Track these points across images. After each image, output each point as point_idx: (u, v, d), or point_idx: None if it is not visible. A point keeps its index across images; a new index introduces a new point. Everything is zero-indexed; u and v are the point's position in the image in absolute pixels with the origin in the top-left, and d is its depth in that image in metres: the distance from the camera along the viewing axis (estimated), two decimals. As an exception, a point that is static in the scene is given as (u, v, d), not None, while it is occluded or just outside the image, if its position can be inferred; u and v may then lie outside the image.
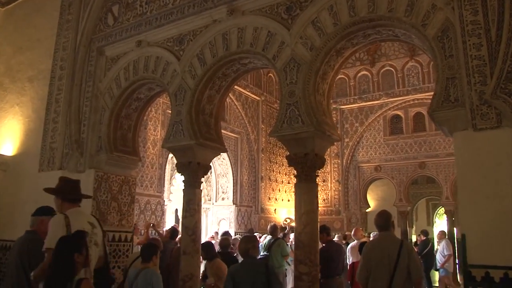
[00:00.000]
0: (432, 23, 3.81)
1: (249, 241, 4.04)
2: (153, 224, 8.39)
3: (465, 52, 3.56)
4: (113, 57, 6.27)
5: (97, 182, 5.93)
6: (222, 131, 6.22)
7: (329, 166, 14.99)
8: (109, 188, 6.08)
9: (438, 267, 10.11)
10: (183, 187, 5.39)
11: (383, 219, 4.09)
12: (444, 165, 14.04)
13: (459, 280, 12.78)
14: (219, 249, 6.42)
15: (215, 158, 6.98)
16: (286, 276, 8.13)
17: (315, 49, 4.41)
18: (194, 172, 5.32)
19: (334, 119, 13.32)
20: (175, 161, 5.66)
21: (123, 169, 6.27)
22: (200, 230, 5.41)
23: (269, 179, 14.15)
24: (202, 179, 5.55)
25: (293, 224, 5.06)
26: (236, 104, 13.03)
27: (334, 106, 14.64)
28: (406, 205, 14.98)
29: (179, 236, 6.78)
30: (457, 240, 14.60)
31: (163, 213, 10.30)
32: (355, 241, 8.59)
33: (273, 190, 14.29)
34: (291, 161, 4.53)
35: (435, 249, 11.10)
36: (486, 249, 3.28)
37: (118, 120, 6.15)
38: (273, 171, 14.46)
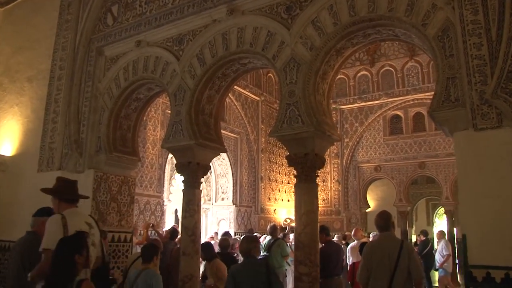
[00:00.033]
0: (433, 23, 3.80)
1: (251, 241, 4.03)
2: (152, 225, 8.37)
3: (466, 52, 3.55)
4: (113, 57, 6.26)
5: (96, 183, 5.92)
6: (222, 131, 6.20)
7: (328, 166, 14.98)
8: (109, 188, 6.07)
9: (437, 267, 10.10)
10: (183, 188, 5.38)
11: (383, 220, 4.08)
12: (444, 165, 14.03)
13: (459, 280, 12.78)
14: (218, 249, 6.40)
15: (214, 158, 6.97)
16: (286, 276, 8.11)
17: (315, 49, 4.40)
18: (194, 172, 5.31)
19: (334, 119, 13.32)
20: (175, 161, 5.64)
21: (123, 169, 6.26)
22: (200, 230, 5.40)
23: (269, 179, 14.14)
24: (202, 179, 5.54)
25: (293, 224, 5.04)
26: (236, 104, 13.02)
27: (333, 106, 14.63)
28: (406, 205, 14.97)
29: (179, 236, 6.77)
30: (457, 240, 14.61)
31: (162, 213, 10.28)
32: (355, 241, 8.58)
33: (272, 190, 14.28)
34: (291, 161, 4.52)
35: (434, 249, 11.08)
36: (487, 250, 3.27)
37: (117, 120, 6.14)
38: (273, 171, 14.44)
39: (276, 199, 14.38)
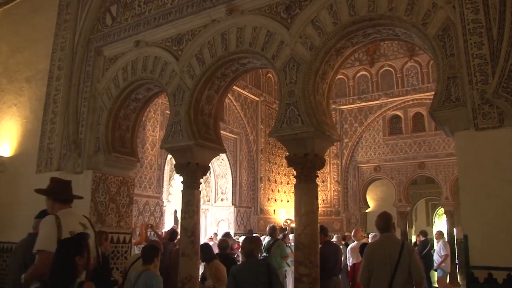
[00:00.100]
0: (433, 22, 3.78)
1: (253, 241, 4.03)
2: (151, 225, 8.34)
3: (466, 51, 3.53)
4: (111, 57, 6.24)
5: (95, 183, 5.90)
6: (221, 131, 6.18)
7: (328, 166, 14.95)
8: (107, 189, 6.04)
9: (435, 268, 10.09)
10: (182, 188, 5.35)
11: (384, 221, 4.06)
12: (444, 165, 14.01)
13: (459, 281, 12.76)
14: (218, 250, 6.38)
15: (214, 159, 6.94)
16: (285, 277, 8.09)
17: (314, 49, 4.38)
18: (193, 173, 5.29)
19: (333, 119, 13.29)
20: (174, 162, 5.62)
21: (122, 170, 6.23)
22: (199, 231, 5.37)
23: (268, 179, 14.11)
24: (201, 180, 5.52)
25: (294, 225, 5.03)
26: (235, 104, 13.00)
27: (333, 106, 14.60)
28: (406, 206, 14.94)
29: (178, 237, 6.74)
30: (457, 241, 14.60)
31: (162, 214, 10.25)
32: (355, 242, 8.55)
33: (272, 190, 14.25)
34: (291, 162, 4.50)
35: (433, 250, 11.07)
36: (489, 250, 3.25)
37: (116, 120, 6.11)
38: (272, 171, 14.42)
39: (275, 200, 14.35)
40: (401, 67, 14.27)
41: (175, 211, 14.01)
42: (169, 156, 9.74)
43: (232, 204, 12.73)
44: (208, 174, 10.10)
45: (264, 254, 7.37)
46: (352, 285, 7.71)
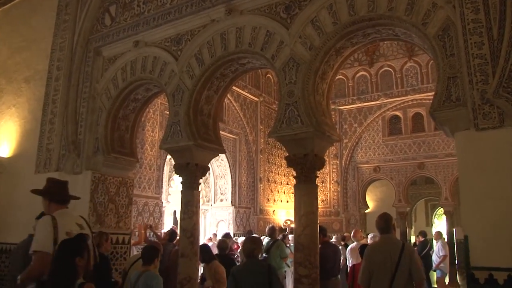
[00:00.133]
0: (433, 22, 3.78)
1: (254, 241, 4.02)
2: (150, 226, 8.31)
3: (467, 51, 3.53)
4: (110, 57, 6.22)
5: (94, 184, 5.88)
6: (221, 132, 6.16)
7: (328, 167, 14.93)
8: (106, 189, 6.02)
9: (433, 268, 10.09)
10: (181, 189, 5.33)
11: (384, 221, 4.05)
12: (443, 166, 14.00)
13: (458, 281, 12.75)
14: (217, 251, 6.36)
15: (213, 159, 6.93)
16: (285, 278, 8.07)
17: (314, 49, 4.37)
18: (192, 174, 5.27)
19: (333, 120, 13.28)
20: (173, 163, 5.60)
21: (121, 170, 6.22)
22: (199, 232, 5.36)
23: (268, 180, 14.09)
24: (200, 181, 5.51)
25: (293, 225, 5.01)
26: (235, 105, 12.98)
27: (332, 107, 14.59)
28: (405, 206, 14.93)
29: (177, 238, 6.72)
30: (456, 241, 14.58)
31: (161, 215, 10.22)
32: (355, 243, 8.53)
33: (271, 191, 14.23)
34: (290, 162, 4.48)
35: (432, 250, 11.08)
36: (489, 251, 3.24)
37: (115, 121, 6.10)
38: (272, 172, 14.40)
39: (275, 200, 14.33)
40: (400, 67, 14.25)
41: (175, 212, 13.99)
42: (169, 156, 9.72)
43: (232, 205, 12.71)
44: (207, 174, 10.09)
45: (264, 254, 7.36)
46: (352, 286, 7.69)
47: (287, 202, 14.72)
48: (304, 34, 4.46)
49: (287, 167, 5.08)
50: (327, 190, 15.22)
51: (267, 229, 7.94)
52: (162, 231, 9.41)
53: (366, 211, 15.29)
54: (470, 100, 3.45)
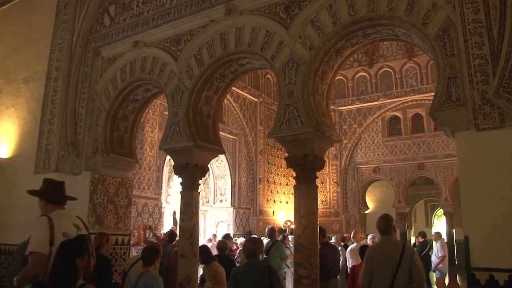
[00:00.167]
0: (433, 22, 3.77)
1: (255, 242, 4.02)
2: (150, 226, 8.29)
3: (467, 51, 3.52)
4: (110, 58, 6.21)
5: (93, 185, 5.86)
6: (220, 132, 6.15)
7: (327, 167, 14.92)
8: (106, 190, 6.00)
9: (432, 269, 10.09)
10: (181, 189, 5.31)
11: (385, 223, 4.04)
12: (443, 166, 14.00)
13: (458, 282, 12.73)
14: (217, 252, 6.34)
15: (213, 160, 6.91)
16: (285, 279, 8.05)
17: (314, 49, 4.35)
18: (192, 174, 5.25)
19: (332, 120, 13.27)
20: (173, 163, 5.59)
21: (120, 171, 6.20)
22: (198, 233, 5.34)
23: (267, 181, 14.07)
24: (200, 181, 5.49)
25: (293, 226, 5.00)
26: (234, 105, 12.96)
27: (332, 107, 14.57)
28: (405, 207, 14.93)
29: (177, 239, 6.70)
30: (456, 242, 14.58)
31: (160, 215, 10.20)
32: (355, 244, 8.52)
33: (271, 192, 14.21)
34: (290, 163, 4.47)
35: (431, 251, 11.09)
36: (490, 251, 3.23)
37: (114, 121, 6.08)
38: (271, 172, 14.38)
39: (274, 201, 14.32)
40: (400, 68, 14.25)
41: (174, 213, 13.96)
42: (168, 157, 9.70)
43: (231, 206, 12.69)
44: (207, 175, 10.07)
45: (264, 255, 7.34)
46: (352, 287, 7.67)
47: (287, 203, 14.70)
48: (304, 34, 4.44)
49: (287, 168, 5.07)
50: (326, 191, 15.21)
51: (266, 230, 7.93)
52: (162, 232, 9.39)
53: (366, 212, 15.29)
54: (470, 100, 3.44)
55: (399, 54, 14.42)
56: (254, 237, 4.76)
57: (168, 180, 10.97)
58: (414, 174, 14.71)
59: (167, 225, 11.56)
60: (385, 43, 14.03)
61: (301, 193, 4.37)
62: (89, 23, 6.50)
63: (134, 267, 4.71)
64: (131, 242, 7.27)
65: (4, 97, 7.37)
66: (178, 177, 5.43)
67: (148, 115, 10.03)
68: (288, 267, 8.00)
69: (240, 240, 10.04)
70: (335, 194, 15.15)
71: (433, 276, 10.81)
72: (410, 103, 14.27)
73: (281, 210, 14.47)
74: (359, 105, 14.90)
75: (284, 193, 14.84)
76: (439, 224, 22.07)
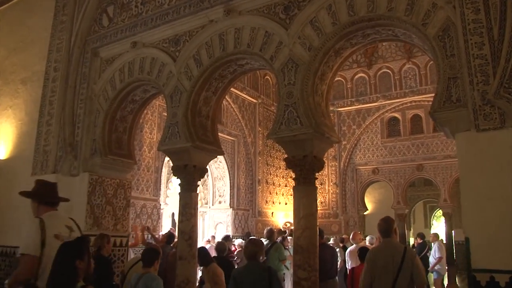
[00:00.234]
0: (433, 22, 3.75)
1: (256, 244, 4.00)
2: (148, 227, 8.26)
3: (467, 51, 3.50)
4: (108, 58, 6.18)
5: (91, 186, 5.83)
6: (219, 134, 6.12)
7: (326, 168, 14.91)
8: (104, 191, 5.97)
9: (429, 270, 10.10)
10: (179, 191, 5.29)
11: (387, 225, 4.02)
12: (442, 167, 14.00)
13: (457, 283, 12.73)
14: (215, 253, 6.31)
15: (211, 161, 6.88)
16: (284, 280, 8.02)
17: (313, 49, 4.33)
18: (190, 175, 5.22)
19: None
20: (172, 164, 5.56)
21: (118, 172, 6.17)
22: (197, 234, 5.31)
23: (266, 182, 14.05)
24: (199, 183, 5.46)
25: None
26: (233, 106, 12.94)
27: (331, 108, 14.54)
28: (404, 208, 14.92)
29: (175, 240, 6.67)
30: (455, 243, 14.56)
31: (159, 217, 10.17)
32: (354, 245, 8.49)
33: (270, 193, 14.19)
34: (289, 164, 4.44)
35: (429, 252, 11.11)
36: (491, 253, 3.21)
37: (113, 122, 6.05)
38: (270, 174, 14.36)
39: (273, 202, 14.30)
40: (399, 69, 14.26)
41: (173, 214, 13.92)
42: (167, 158, 9.67)
43: (230, 207, 12.66)
44: (205, 176, 10.03)
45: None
46: (351, 289, 7.64)
47: (286, 204, 14.68)
48: (303, 34, 4.42)
49: (286, 169, 5.05)
50: (325, 192, 15.19)
51: (265, 231, 7.90)
52: (160, 233, 9.36)
53: (365, 213, 15.28)
54: (470, 101, 3.42)
55: (398, 55, 14.42)
56: (255, 239, 4.74)
57: (167, 181, 10.94)
58: (413, 175, 14.71)
59: (165, 226, 11.52)
60: (384, 44, 14.04)
61: (301, 194, 4.34)
62: (88, 23, 6.47)
63: (133, 269, 4.70)
64: (129, 243, 7.24)
65: (1, 98, 7.34)
66: (177, 178, 5.40)
67: (146, 116, 10.00)
68: (287, 269, 7.97)
69: (238, 241, 10.01)
70: (334, 195, 15.13)
71: (431, 277, 10.81)
72: (409, 104, 14.27)
73: (280, 212, 14.45)
74: (358, 106, 14.90)
75: (283, 195, 14.82)
76: (438, 225, 22.06)
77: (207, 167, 5.60)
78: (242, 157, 13.24)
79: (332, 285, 6.13)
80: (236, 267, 6.38)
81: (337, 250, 8.57)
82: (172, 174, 6.65)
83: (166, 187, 10.89)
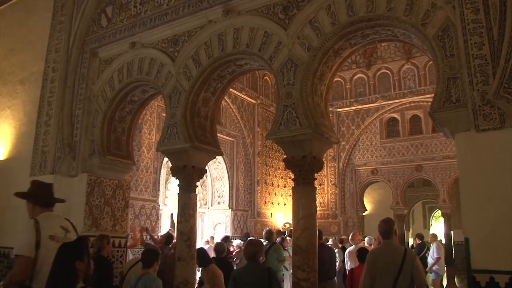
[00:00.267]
0: (432, 22, 3.74)
1: (257, 244, 4.00)
2: (146, 228, 8.24)
3: (467, 52, 3.49)
4: (107, 59, 6.17)
5: (90, 187, 5.81)
6: (218, 134, 6.11)
7: (325, 169, 14.90)
8: (102, 192, 5.95)
9: (427, 270, 10.10)
10: (178, 191, 5.27)
11: (387, 226, 4.02)
12: (441, 168, 13.99)
13: (456, 284, 12.72)
14: (214, 254, 6.30)
15: (210, 162, 6.86)
16: (283, 281, 8.00)
17: (312, 50, 4.32)
18: (189, 176, 5.21)
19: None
20: (170, 165, 5.54)
21: (117, 173, 6.15)
22: (196, 235, 5.29)
23: (265, 183, 14.04)
24: (198, 183, 5.45)
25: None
26: (232, 107, 12.94)
27: (330, 109, 14.53)
28: (403, 208, 14.91)
29: (174, 241, 6.65)
30: (454, 243, 14.55)
31: (158, 217, 10.15)
32: (353, 246, 8.48)
33: (269, 194, 14.18)
34: (289, 164, 4.43)
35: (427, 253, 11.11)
36: (490, 253, 3.19)
37: (111, 123, 6.03)
38: (269, 174, 14.35)
39: (272, 203, 14.28)
40: (398, 69, 14.26)
41: (172, 215, 13.91)
42: (166, 159, 9.66)
43: (229, 208, 12.65)
44: (204, 177, 10.03)
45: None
46: (350, 289, 7.63)
47: (285, 205, 14.67)
48: (303, 35, 4.41)
49: (285, 169, 5.03)
50: (324, 193, 15.18)
51: (264, 232, 7.89)
52: (159, 234, 9.34)
53: (364, 214, 15.27)
54: (470, 101, 3.41)
55: (397, 56, 14.42)
56: (254, 239, 4.72)
57: (166, 182, 10.92)
58: (412, 176, 14.70)
59: (164, 227, 11.51)
60: (383, 44, 14.04)
61: (300, 194, 4.33)
62: (86, 24, 6.46)
63: (132, 270, 4.68)
64: (127, 244, 7.22)
65: (0, 99, 7.31)
66: (176, 179, 5.39)
67: (145, 116, 9.99)
68: (287, 270, 7.95)
69: (236, 242, 10.00)
70: (333, 196, 15.13)
71: (429, 278, 10.82)
72: (408, 105, 14.28)
73: (279, 212, 14.43)
74: (357, 107, 14.90)
75: (282, 195, 14.81)
76: (437, 226, 22.07)
77: (206, 167, 5.59)
78: (241, 157, 13.23)
79: (330, 285, 6.13)
80: (235, 267, 6.37)
81: (336, 250, 8.57)
82: (171, 174, 6.63)
83: (165, 187, 10.88)
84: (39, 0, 7.36)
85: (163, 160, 10.26)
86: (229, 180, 12.79)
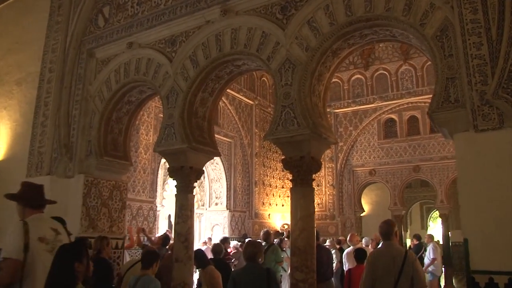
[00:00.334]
0: (431, 22, 3.73)
1: (256, 245, 4.00)
2: (143, 229, 8.21)
3: (465, 52, 3.48)
4: (104, 59, 6.14)
5: (86, 188, 5.78)
6: (215, 135, 6.09)
7: (323, 170, 14.88)
8: (99, 193, 5.92)
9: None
10: (176, 192, 5.24)
11: (388, 227, 4.00)
12: (439, 169, 14.01)
13: (454, 284, 12.73)
14: (212, 255, 6.26)
15: (208, 163, 6.84)
16: (281, 282, 7.98)
17: (310, 50, 4.31)
18: (187, 177, 5.18)
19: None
20: (168, 166, 5.52)
21: (114, 174, 6.12)
22: (193, 236, 5.27)
23: (263, 183, 14.03)
24: (195, 184, 5.42)
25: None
26: (230, 108, 12.92)
27: (328, 110, 14.50)
28: (401, 209, 14.92)
29: (171, 242, 6.62)
30: (451, 244, 14.58)
31: (155, 219, 10.12)
32: (351, 247, 8.47)
33: (267, 195, 14.16)
34: (287, 165, 4.41)
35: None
36: (490, 254, 3.18)
37: (108, 123, 6.00)
38: (267, 175, 14.33)
39: (270, 204, 14.26)
40: (395, 70, 14.28)
41: (169, 216, 13.87)
42: (163, 160, 9.63)
43: (227, 209, 12.63)
44: (202, 178, 10.00)
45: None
46: (348, 290, 7.61)
47: (283, 205, 14.66)
48: (301, 35, 4.40)
49: (283, 170, 5.02)
50: (322, 194, 15.17)
51: (261, 233, 7.86)
52: (156, 235, 9.30)
53: (362, 215, 15.27)
54: (469, 101, 3.40)
55: (394, 57, 14.44)
56: (253, 240, 4.71)
57: (163, 183, 10.89)
58: (409, 177, 14.71)
59: (162, 228, 11.46)
60: (380, 45, 14.05)
61: (298, 195, 4.31)
62: (83, 24, 6.43)
63: (130, 271, 4.66)
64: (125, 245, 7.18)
65: (-4, 99, 7.28)
66: (173, 179, 5.36)
67: (142, 117, 9.96)
68: (285, 271, 7.93)
69: (233, 243, 9.97)
70: (330, 197, 15.12)
71: (426, 279, 10.82)
72: (405, 106, 14.29)
73: (277, 213, 14.41)
74: (355, 108, 14.90)
75: (279, 196, 14.79)
76: (435, 227, 22.09)
77: (204, 168, 5.56)
78: (238, 158, 13.21)
79: (328, 286, 6.12)
80: (233, 269, 6.34)
81: (333, 251, 8.56)
82: (168, 175, 6.61)
83: (163, 188, 10.85)
84: (36, 0, 7.33)
85: (160, 161, 10.23)
86: (226, 181, 12.77)
